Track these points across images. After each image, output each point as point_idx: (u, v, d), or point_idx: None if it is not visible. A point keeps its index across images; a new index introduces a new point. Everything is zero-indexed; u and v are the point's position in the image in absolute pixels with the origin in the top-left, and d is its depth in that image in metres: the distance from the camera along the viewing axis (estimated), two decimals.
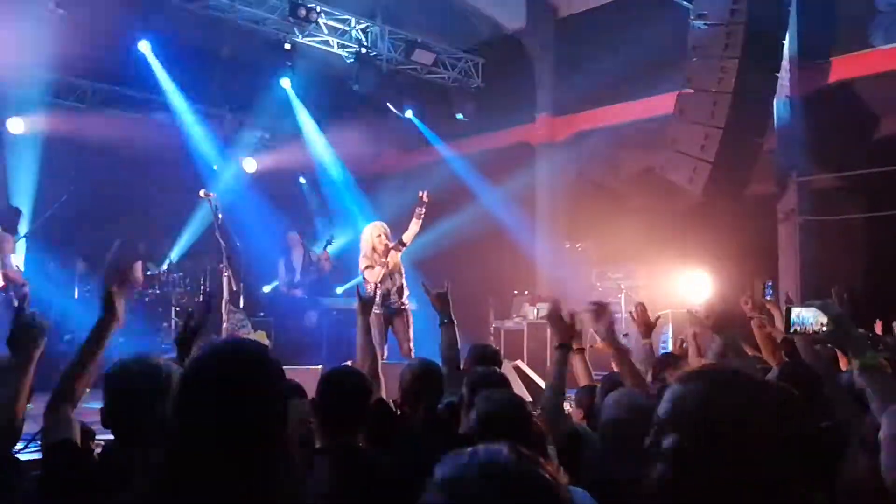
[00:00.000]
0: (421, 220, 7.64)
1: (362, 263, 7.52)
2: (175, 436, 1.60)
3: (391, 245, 7.49)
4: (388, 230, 7.58)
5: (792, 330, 2.71)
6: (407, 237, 7.63)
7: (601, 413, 2.98)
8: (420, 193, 7.60)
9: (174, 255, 11.26)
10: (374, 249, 7.45)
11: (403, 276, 7.65)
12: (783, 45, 8.36)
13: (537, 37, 11.81)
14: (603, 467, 2.67)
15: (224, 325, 6.65)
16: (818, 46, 9.08)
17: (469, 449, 1.14)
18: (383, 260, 7.41)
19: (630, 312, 4.43)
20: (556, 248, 10.98)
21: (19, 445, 2.68)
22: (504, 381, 3.31)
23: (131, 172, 11.17)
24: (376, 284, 7.28)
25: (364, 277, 7.46)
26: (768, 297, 5.08)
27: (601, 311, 3.57)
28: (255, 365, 1.64)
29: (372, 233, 7.52)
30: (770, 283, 5.21)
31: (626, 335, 6.90)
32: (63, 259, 9.97)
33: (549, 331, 3.18)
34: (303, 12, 9.46)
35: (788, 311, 2.71)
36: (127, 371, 2.38)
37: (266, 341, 10.73)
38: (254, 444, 1.56)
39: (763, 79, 8.17)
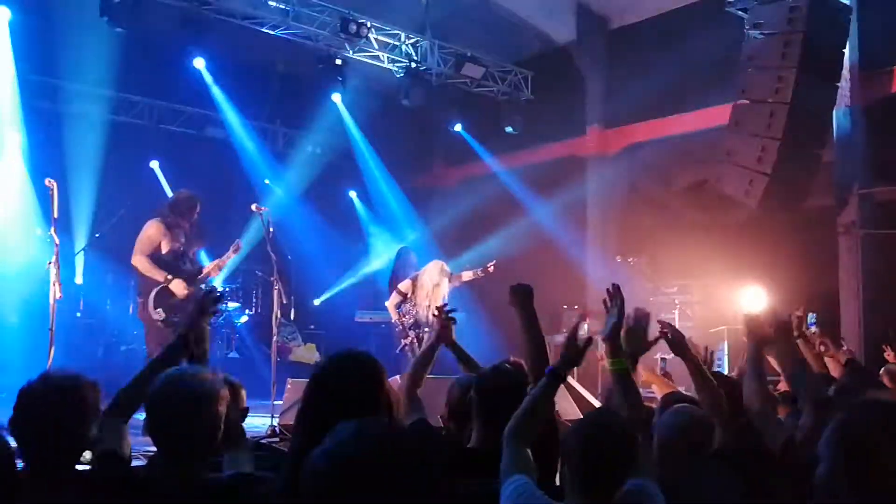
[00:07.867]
0: (474, 278, 8.16)
1: (404, 290, 7.97)
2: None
3: (447, 274, 7.98)
4: (446, 268, 8.02)
5: None
6: (456, 279, 8.15)
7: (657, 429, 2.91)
8: (489, 264, 8.12)
9: (227, 268, 11.39)
10: (422, 285, 7.87)
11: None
12: (843, 53, 8.13)
13: (588, 49, 11.70)
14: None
15: (274, 337, 6.67)
16: (879, 55, 8.82)
17: None
18: (425, 292, 7.82)
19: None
20: (607, 262, 10.82)
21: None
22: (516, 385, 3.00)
23: (186, 187, 11.36)
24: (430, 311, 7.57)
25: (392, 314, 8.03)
26: (812, 328, 4.85)
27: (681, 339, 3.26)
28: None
29: (434, 270, 7.92)
30: (814, 315, 4.98)
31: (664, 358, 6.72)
32: (119, 273, 10.16)
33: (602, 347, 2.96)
34: (353, 28, 9.55)
35: None
36: (172, 384, 2.38)
37: (315, 354, 10.82)
38: None
39: (822, 89, 7.94)
